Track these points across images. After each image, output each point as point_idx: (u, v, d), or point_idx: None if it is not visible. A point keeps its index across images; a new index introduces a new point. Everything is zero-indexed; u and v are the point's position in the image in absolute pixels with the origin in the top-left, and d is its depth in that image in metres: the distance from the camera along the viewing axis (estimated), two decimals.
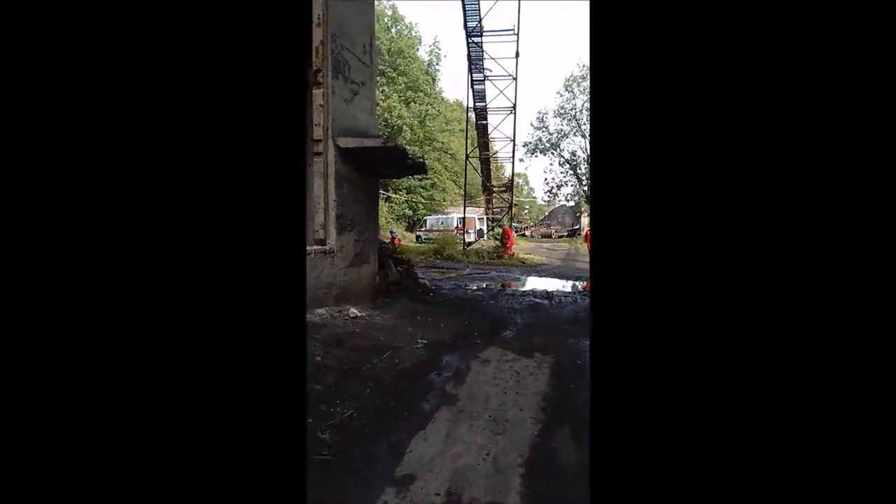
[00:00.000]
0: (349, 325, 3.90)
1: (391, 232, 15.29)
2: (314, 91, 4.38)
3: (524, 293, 7.35)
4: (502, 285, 8.44)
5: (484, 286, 8.35)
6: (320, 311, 4.03)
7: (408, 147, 20.59)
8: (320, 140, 4.40)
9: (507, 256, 13.25)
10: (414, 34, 23.63)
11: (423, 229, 20.82)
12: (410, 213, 23.00)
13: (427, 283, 7.16)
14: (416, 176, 23.13)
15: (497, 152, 19.06)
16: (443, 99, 27.41)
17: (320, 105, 4.40)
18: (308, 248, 4.18)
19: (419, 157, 5.44)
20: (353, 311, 4.20)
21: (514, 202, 20.18)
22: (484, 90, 15.81)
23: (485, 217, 20.73)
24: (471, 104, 15.70)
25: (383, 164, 5.18)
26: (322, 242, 4.42)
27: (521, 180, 41.04)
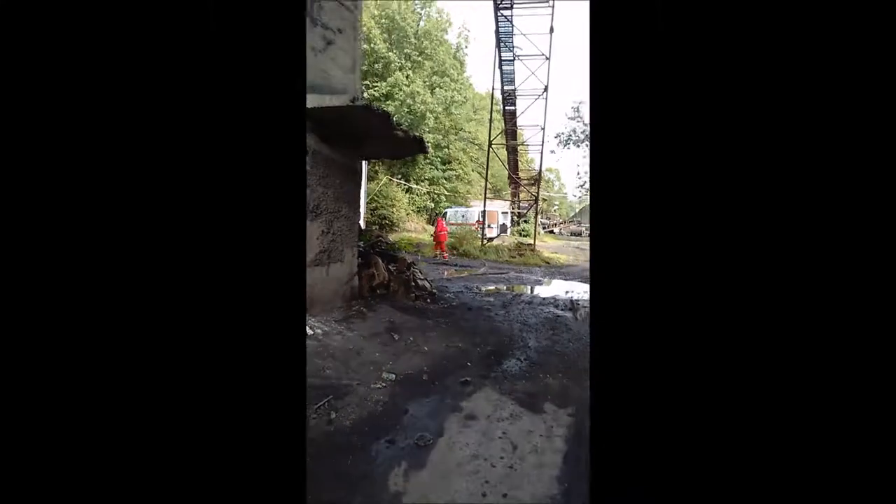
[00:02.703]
0: None
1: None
2: None
3: (544, 301, 6.14)
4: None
5: (501, 289, 7.19)
6: None
7: (430, 136, 19.54)
8: None
9: (436, 253, 11.02)
10: (444, 16, 22.32)
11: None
12: (432, 205, 21.86)
13: (429, 285, 6.05)
14: (439, 166, 22.01)
15: (526, 141, 17.58)
16: (470, 86, 25.96)
17: None
18: None
19: (413, 133, 4.30)
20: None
21: (541, 197, 18.68)
22: (513, 71, 14.36)
23: (509, 212, 19.30)
24: (497, 86, 14.32)
25: (366, 135, 4.07)
26: None
27: (551, 175, 39.14)
